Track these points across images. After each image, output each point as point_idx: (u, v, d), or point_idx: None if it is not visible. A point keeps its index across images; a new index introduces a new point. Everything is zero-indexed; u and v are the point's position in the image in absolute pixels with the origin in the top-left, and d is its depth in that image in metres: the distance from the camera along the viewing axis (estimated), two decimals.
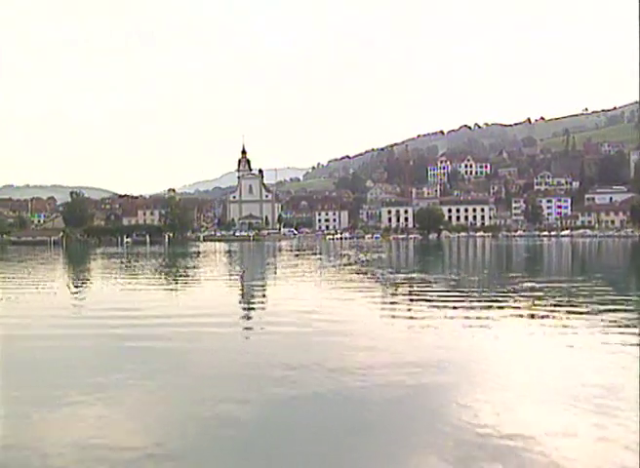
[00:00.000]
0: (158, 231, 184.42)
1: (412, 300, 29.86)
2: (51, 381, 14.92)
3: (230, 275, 51.85)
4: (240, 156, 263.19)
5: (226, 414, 12.21)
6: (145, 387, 14.24)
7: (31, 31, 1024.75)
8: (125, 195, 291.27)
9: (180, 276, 49.70)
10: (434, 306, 26.47)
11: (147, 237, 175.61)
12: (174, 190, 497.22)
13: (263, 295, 35.02)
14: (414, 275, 44.60)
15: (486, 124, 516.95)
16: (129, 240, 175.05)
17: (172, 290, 38.64)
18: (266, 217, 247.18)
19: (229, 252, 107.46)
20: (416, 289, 34.62)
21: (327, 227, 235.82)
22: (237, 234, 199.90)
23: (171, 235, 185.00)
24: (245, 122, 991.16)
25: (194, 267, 60.79)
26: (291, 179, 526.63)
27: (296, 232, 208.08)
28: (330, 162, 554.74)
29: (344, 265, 57.39)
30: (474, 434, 10.70)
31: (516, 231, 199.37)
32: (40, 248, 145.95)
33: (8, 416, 12.41)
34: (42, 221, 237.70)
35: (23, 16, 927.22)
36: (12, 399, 13.51)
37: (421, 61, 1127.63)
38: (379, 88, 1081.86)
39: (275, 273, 52.65)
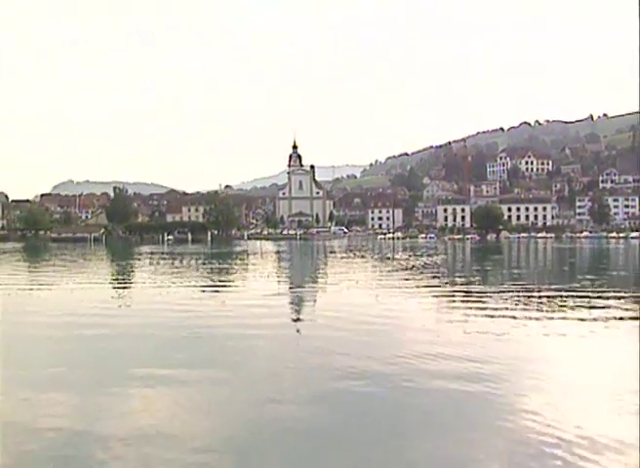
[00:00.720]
0: (202, 228, 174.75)
1: (478, 317, 24.88)
2: (104, 373, 15.74)
3: (278, 278, 49.15)
4: (291, 151, 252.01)
5: (277, 413, 12.45)
6: (201, 383, 14.70)
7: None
8: (172, 191, 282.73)
9: (225, 279, 46.74)
10: (500, 324, 22.70)
11: (189, 235, 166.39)
12: (230, 187, 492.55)
13: (314, 300, 33.35)
14: (474, 288, 37.76)
15: (547, 121, 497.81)
16: (170, 238, 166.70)
17: (216, 291, 37.18)
18: (317, 215, 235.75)
19: (276, 252, 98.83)
20: (483, 308, 27.71)
21: (380, 226, 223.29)
22: (285, 232, 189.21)
23: (215, 232, 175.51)
24: (301, 117, 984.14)
25: (237, 270, 58.03)
26: (347, 176, 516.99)
27: (346, 231, 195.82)
28: (388, 159, 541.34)
29: (396, 271, 51.93)
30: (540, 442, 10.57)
31: (581, 232, 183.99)
32: (80, 244, 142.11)
33: (76, 405, 13.05)
34: (88, 217, 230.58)
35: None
36: (79, 386, 14.30)
37: (481, 57, 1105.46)
38: (438, 84, 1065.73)
39: (325, 277, 49.49)
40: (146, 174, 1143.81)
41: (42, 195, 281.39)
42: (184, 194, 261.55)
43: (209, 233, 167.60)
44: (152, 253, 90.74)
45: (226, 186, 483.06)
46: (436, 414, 12.29)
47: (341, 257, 78.99)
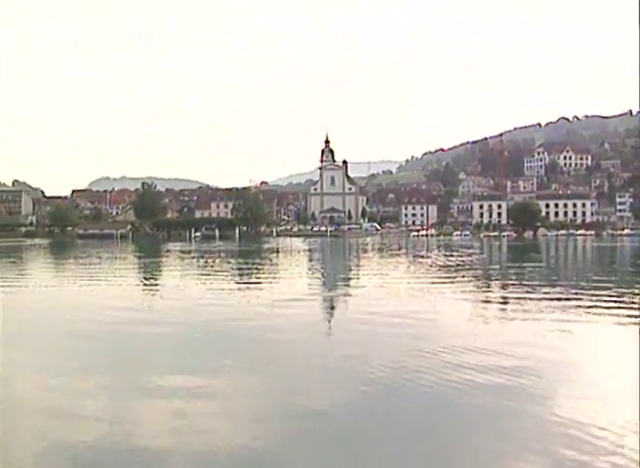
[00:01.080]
0: (230, 225, 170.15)
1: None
2: (150, 367, 16.50)
3: (309, 278, 47.26)
4: (323, 146, 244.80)
5: (314, 407, 12.80)
6: (240, 377, 15.43)
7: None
8: (205, 186, 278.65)
9: (254, 279, 45.06)
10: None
11: (216, 231, 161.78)
12: (266, 183, 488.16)
13: (347, 300, 32.36)
14: (515, 289, 35.30)
15: (585, 116, 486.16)
16: (198, 234, 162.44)
17: (245, 289, 36.76)
18: (349, 211, 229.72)
19: (305, 250, 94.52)
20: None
21: (413, 222, 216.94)
22: (315, 229, 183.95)
23: (244, 229, 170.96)
24: (336, 113, 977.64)
25: (266, 269, 56.05)
26: (383, 172, 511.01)
27: (378, 227, 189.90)
28: (424, 155, 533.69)
29: (431, 270, 50.79)
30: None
31: (623, 229, 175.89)
32: (107, 241, 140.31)
33: (126, 405, 13.34)
34: (118, 213, 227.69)
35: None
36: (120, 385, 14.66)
37: (517, 52, 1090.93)
38: (475, 80, 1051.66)
39: (357, 276, 48.54)
40: (182, 170, 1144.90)
41: (74, 191, 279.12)
42: (216, 190, 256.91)
43: (237, 230, 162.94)
44: (178, 252, 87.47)
45: (262, 182, 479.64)
46: (475, 412, 12.45)
47: (373, 256, 75.65)
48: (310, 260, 71.15)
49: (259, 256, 75.43)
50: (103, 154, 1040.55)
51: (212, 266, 57.06)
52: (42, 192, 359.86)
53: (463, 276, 44.73)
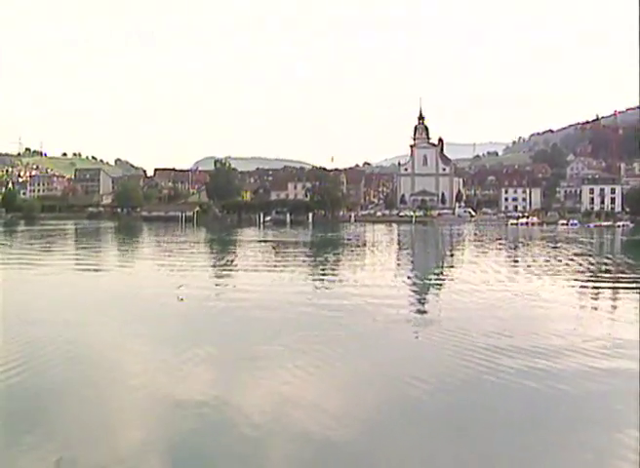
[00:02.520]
0: (305, 208, 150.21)
1: None
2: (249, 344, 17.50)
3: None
4: (416, 123, 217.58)
5: (409, 397, 12.82)
6: (338, 367, 15.42)
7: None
8: (286, 166, 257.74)
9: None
10: None
11: (287, 216, 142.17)
12: (369, 164, 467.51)
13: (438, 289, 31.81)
14: None
15: None
16: (269, 219, 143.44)
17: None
18: (442, 194, 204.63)
19: (377, 242, 75.75)
20: None
21: (515, 207, 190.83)
22: (402, 214, 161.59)
23: (321, 213, 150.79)
24: (438, 92, 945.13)
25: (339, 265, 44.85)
26: (488, 153, 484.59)
27: (473, 213, 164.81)
28: (531, 136, 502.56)
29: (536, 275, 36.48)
30: None
31: None
32: (172, 224, 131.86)
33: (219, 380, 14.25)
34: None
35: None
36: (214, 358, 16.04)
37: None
38: (586, 60, 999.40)
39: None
40: (288, 150, 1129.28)
41: (156, 170, 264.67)
42: (293, 169, 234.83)
43: (310, 215, 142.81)
44: (243, 242, 73.26)
45: (365, 163, 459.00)
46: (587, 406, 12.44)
47: (462, 251, 62.00)
48: (383, 264, 48.94)
49: (328, 249, 61.28)
50: (211, 134, 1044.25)
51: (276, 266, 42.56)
52: (144, 171, 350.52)
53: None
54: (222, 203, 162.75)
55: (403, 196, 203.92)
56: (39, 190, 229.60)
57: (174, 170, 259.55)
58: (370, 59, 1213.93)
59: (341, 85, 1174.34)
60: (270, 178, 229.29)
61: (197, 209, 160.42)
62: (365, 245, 70.02)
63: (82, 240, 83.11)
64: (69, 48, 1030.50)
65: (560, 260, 45.48)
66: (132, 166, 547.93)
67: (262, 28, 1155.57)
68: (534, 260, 46.46)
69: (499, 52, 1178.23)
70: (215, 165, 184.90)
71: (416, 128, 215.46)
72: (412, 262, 49.55)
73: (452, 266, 45.39)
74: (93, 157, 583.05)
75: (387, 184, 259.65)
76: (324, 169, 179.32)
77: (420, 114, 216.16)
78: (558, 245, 66.87)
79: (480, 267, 41.44)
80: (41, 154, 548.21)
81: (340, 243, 74.11)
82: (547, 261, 44.79)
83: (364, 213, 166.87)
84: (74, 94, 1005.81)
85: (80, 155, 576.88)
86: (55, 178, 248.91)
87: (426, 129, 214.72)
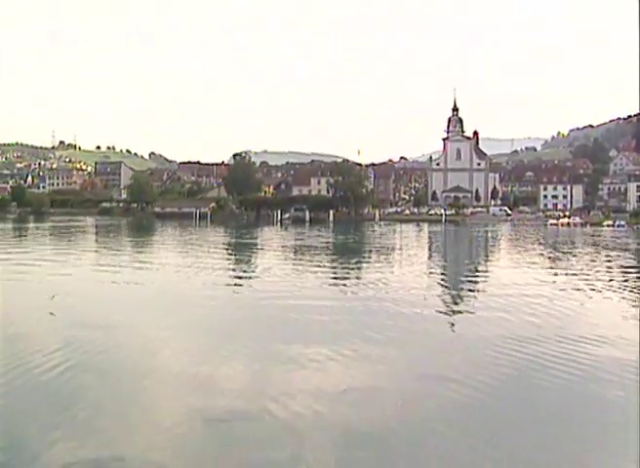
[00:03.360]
0: (328, 205, 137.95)
1: None
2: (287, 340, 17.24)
3: None
4: (450, 114, 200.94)
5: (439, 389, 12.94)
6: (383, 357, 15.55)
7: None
8: (313, 160, 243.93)
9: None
10: None
11: (307, 213, 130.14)
12: (405, 158, 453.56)
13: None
14: None
15: None
16: (287, 216, 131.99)
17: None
18: (477, 191, 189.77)
19: (398, 248, 61.93)
20: None
21: (555, 206, 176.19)
22: (432, 213, 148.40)
23: (345, 210, 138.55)
24: (475, 86, 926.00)
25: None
26: (526, 149, 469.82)
27: (509, 212, 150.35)
28: (571, 131, 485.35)
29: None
30: None
31: None
32: (186, 222, 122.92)
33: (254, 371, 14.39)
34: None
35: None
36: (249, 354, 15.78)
37: None
38: (624, 54, 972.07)
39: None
40: (326, 145, 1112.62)
41: (180, 163, 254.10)
42: (316, 163, 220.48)
43: (330, 212, 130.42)
44: (256, 247, 61.38)
45: (401, 158, 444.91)
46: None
47: (496, 260, 50.00)
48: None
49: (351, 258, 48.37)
50: (248, 127, 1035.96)
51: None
52: (178, 165, 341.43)
53: None
54: (240, 198, 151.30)
55: (434, 193, 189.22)
56: (58, 184, 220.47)
57: (198, 163, 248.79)
58: (407, 51, 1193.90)
59: (381, 76, 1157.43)
60: (295, 172, 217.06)
61: (213, 205, 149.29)
62: (387, 251, 56.92)
63: (66, 240, 71.70)
64: (111, 40, 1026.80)
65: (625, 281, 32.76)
66: (165, 159, 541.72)
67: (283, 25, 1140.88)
68: (586, 276, 33.71)
69: (533, 46, 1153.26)
70: (234, 158, 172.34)
71: (449, 120, 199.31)
72: (441, 283, 36.20)
73: (482, 290, 32.44)
74: (127, 150, 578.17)
75: (420, 180, 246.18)
76: (348, 161, 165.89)
77: (455, 105, 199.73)
78: (612, 254, 53.53)
79: (519, 286, 29.93)
80: (75, 147, 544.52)
81: (360, 248, 61.60)
82: (609, 281, 32.16)
83: (391, 210, 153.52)
84: (109, 86, 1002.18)
85: (114, 148, 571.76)
86: (74, 172, 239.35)
87: (461, 121, 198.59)
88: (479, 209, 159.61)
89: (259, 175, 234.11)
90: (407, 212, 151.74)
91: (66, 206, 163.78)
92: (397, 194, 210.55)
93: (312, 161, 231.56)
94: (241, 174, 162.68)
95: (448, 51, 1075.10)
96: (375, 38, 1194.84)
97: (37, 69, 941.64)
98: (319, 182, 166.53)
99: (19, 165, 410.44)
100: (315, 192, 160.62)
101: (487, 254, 57.79)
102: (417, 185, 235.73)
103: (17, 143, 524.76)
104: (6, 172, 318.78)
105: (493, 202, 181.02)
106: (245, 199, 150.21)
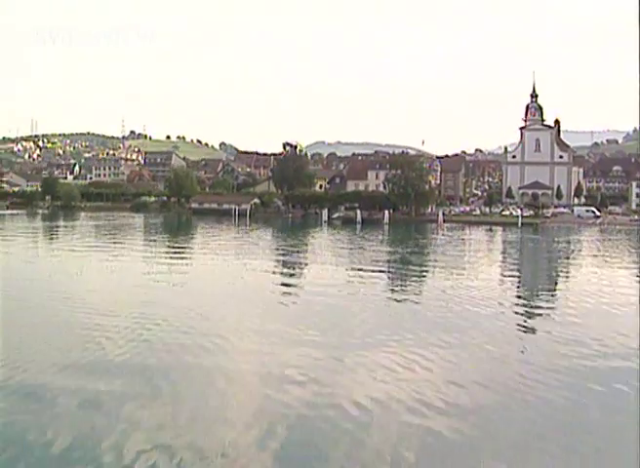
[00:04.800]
0: (384, 202, 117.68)
1: None
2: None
3: None
4: (529, 101, 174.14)
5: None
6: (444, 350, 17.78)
7: (108, 22, 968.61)
8: (376, 151, 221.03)
9: None
10: None
11: (358, 213, 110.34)
12: (480, 151, 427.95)
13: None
14: None
15: None
16: (336, 216, 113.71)
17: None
18: (558, 188, 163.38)
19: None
20: None
21: None
22: (505, 213, 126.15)
23: (405, 209, 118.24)
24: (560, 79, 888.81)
25: None
26: (607, 141, 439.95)
27: (598, 214, 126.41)
28: None
29: None
30: None
31: None
32: (225, 219, 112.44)
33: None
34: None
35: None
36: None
37: None
38: None
39: None
40: (402, 136, 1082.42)
41: (238, 153, 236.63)
42: (374, 156, 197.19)
43: (386, 212, 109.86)
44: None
45: (477, 150, 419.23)
46: None
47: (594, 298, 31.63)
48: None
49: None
50: (323, 118, 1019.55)
51: None
52: (235, 155, 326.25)
53: None
54: (286, 194, 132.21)
55: (510, 189, 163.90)
56: (105, 175, 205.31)
57: (256, 153, 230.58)
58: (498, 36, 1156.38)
59: (463, 63, 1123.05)
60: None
61: (255, 201, 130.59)
62: (451, 275, 40.35)
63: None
64: (185, 33, 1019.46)
65: None
66: (236, 150, 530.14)
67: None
68: None
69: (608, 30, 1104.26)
70: (283, 148, 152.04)
71: (527, 107, 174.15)
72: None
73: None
74: (198, 140, 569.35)
75: (494, 174, 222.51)
76: (406, 153, 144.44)
77: (534, 90, 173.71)
78: None
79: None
80: (146, 137, 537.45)
81: (417, 271, 43.21)
82: None
83: (459, 210, 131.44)
84: (182, 76, 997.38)
85: (184, 138, 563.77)
86: (122, 162, 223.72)
87: (540, 108, 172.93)
88: (561, 208, 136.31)
89: (317, 166, 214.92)
90: (477, 211, 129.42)
91: (101, 199, 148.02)
92: (468, 190, 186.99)
93: (375, 152, 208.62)
94: (290, 165, 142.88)
95: (527, 35, 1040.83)
96: (448, 22, 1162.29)
97: (110, 59, 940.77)
98: (377, 176, 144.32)
99: (87, 154, 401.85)
100: (373, 187, 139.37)
101: (579, 287, 36.94)
102: (490, 180, 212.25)
103: (88, 133, 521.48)
104: (72, 161, 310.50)
105: (576, 200, 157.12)
106: (291, 195, 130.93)
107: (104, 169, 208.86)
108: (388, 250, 61.19)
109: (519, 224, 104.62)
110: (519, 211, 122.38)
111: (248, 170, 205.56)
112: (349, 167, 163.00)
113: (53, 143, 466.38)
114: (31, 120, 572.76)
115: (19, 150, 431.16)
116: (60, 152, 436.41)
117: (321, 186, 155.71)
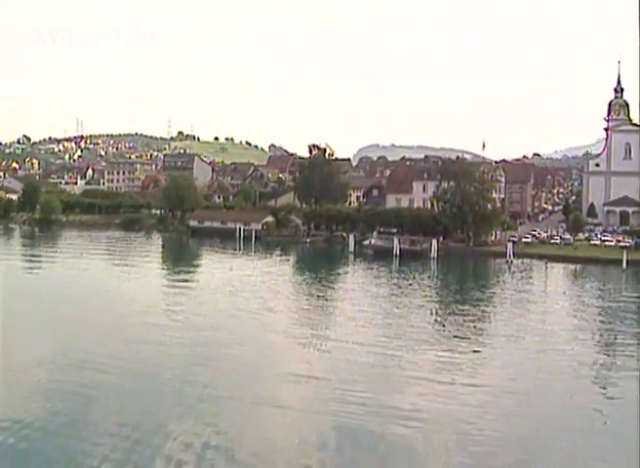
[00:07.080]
0: (432, 225, 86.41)
1: None
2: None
3: None
4: (612, 97, 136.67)
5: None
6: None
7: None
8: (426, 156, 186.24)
9: None
10: None
11: (395, 242, 79.03)
12: (538, 155, 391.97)
13: None
14: None
15: None
16: (368, 242, 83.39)
17: None
18: None
19: None
20: None
21: None
22: (594, 241, 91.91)
23: (460, 233, 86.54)
24: None
25: None
26: None
27: None
28: None
29: None
30: None
31: None
32: (227, 243, 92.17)
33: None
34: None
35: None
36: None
37: None
38: None
39: None
40: (459, 140, 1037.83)
41: (270, 157, 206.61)
42: (423, 162, 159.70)
43: (434, 242, 78.03)
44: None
45: (535, 154, 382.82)
46: None
47: None
48: None
49: None
50: (376, 120, 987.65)
51: None
52: (300, 158, 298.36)
53: None
54: (306, 211, 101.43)
55: (592, 206, 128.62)
56: (118, 180, 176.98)
57: (289, 154, 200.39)
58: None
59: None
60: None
61: (267, 219, 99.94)
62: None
63: None
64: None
65: None
66: (285, 151, 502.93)
67: None
68: None
69: None
70: (309, 151, 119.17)
71: (610, 104, 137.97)
72: None
73: None
74: (247, 142, 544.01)
75: (564, 185, 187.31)
76: (458, 158, 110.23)
77: (619, 83, 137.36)
78: None
79: None
80: (194, 138, 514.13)
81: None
82: None
83: (530, 235, 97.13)
84: (231, 78, 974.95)
85: (232, 139, 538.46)
86: (137, 166, 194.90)
87: (627, 105, 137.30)
88: None
89: (359, 173, 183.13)
90: (556, 237, 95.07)
91: (94, 211, 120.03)
92: (538, 204, 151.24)
93: (425, 157, 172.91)
94: (318, 173, 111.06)
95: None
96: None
97: (159, 59, 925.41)
98: (424, 188, 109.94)
99: (132, 157, 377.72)
100: (419, 203, 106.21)
101: None
102: (560, 191, 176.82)
103: (135, 134, 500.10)
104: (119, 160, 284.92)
105: None
106: (312, 212, 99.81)
107: (118, 173, 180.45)
108: (432, 318, 42.07)
109: (624, 263, 71.66)
110: (627, 239, 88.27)
111: (280, 175, 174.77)
112: (390, 176, 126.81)
113: (96, 144, 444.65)
114: (77, 119, 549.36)
115: (60, 151, 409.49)
116: (103, 153, 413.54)
117: (357, 199, 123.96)
